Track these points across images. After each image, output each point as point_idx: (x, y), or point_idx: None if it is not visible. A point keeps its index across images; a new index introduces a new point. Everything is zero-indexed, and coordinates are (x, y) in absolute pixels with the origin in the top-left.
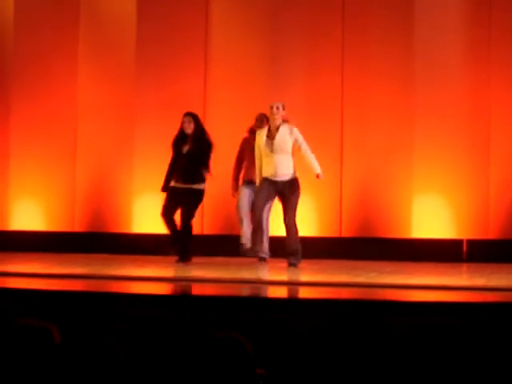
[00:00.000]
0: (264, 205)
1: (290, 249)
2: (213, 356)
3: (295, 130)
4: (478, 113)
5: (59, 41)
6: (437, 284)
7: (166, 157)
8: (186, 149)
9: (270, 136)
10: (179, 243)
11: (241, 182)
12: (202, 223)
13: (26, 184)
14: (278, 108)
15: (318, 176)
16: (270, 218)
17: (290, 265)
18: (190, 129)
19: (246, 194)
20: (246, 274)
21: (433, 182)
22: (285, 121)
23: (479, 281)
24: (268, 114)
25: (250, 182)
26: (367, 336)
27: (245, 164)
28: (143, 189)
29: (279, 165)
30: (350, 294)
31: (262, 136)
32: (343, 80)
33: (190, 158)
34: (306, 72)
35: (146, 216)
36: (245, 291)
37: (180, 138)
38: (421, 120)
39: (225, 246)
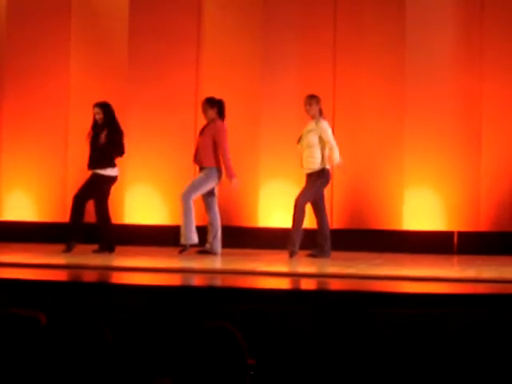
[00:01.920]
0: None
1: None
2: (203, 346)
3: (320, 124)
4: (469, 106)
5: (51, 34)
6: (428, 276)
7: (157, 148)
8: (96, 138)
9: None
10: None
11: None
12: (196, 214)
13: (17, 174)
14: (309, 105)
15: (338, 165)
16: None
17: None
18: (99, 118)
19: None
20: (239, 265)
21: (424, 175)
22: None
23: (470, 272)
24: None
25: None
26: (357, 327)
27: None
28: (134, 180)
29: (304, 159)
30: (340, 285)
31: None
32: (335, 74)
33: (96, 145)
34: (298, 65)
35: (138, 207)
36: (237, 282)
37: (93, 130)
38: (412, 113)
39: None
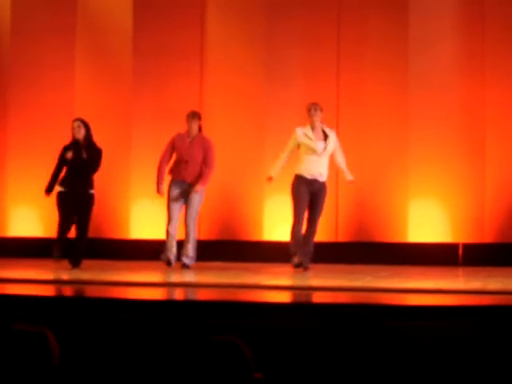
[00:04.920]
0: (304, 213)
1: (308, 249)
2: (210, 360)
3: (334, 134)
4: (473, 117)
5: (56, 48)
6: (433, 288)
7: None
8: (81, 157)
9: (318, 138)
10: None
11: (169, 180)
12: (199, 228)
13: (23, 190)
14: (315, 110)
15: (350, 181)
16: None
17: (304, 268)
18: (80, 134)
19: (177, 196)
20: (244, 279)
21: (429, 187)
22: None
23: (475, 284)
24: (309, 114)
25: (180, 182)
26: (364, 340)
27: (174, 161)
28: (140, 194)
29: (324, 167)
30: (346, 298)
31: (304, 136)
32: (338, 82)
33: (84, 165)
34: (302, 74)
35: (144, 222)
36: (242, 296)
37: (72, 146)
38: (416, 124)
39: (221, 250)
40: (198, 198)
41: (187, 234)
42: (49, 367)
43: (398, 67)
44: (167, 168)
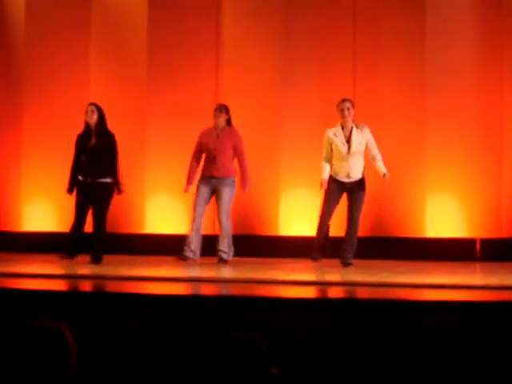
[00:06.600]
0: (332, 213)
1: (347, 245)
2: (227, 355)
3: (367, 130)
4: (490, 112)
5: (71, 44)
6: (450, 283)
7: (177, 157)
8: (92, 143)
9: (345, 137)
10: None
11: (199, 176)
12: (214, 224)
13: (38, 185)
14: (348, 109)
15: (384, 176)
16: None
17: (345, 264)
18: (92, 119)
19: (203, 192)
20: (260, 274)
21: (446, 182)
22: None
23: (493, 280)
24: (341, 114)
25: (208, 178)
26: (381, 335)
27: (203, 158)
28: (155, 190)
29: (353, 167)
30: (363, 293)
31: (334, 136)
32: (355, 82)
33: (96, 151)
34: (318, 75)
35: (159, 217)
36: (259, 291)
37: (84, 134)
38: (433, 121)
39: (238, 246)
40: (228, 191)
41: (221, 228)
42: (66, 361)
43: (414, 65)
44: (199, 166)
